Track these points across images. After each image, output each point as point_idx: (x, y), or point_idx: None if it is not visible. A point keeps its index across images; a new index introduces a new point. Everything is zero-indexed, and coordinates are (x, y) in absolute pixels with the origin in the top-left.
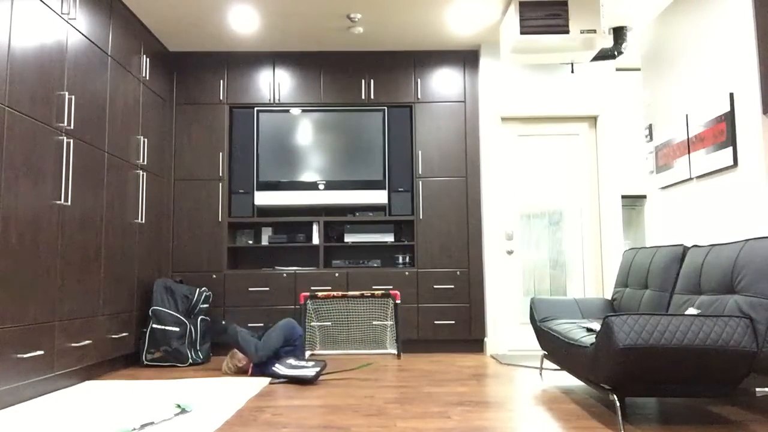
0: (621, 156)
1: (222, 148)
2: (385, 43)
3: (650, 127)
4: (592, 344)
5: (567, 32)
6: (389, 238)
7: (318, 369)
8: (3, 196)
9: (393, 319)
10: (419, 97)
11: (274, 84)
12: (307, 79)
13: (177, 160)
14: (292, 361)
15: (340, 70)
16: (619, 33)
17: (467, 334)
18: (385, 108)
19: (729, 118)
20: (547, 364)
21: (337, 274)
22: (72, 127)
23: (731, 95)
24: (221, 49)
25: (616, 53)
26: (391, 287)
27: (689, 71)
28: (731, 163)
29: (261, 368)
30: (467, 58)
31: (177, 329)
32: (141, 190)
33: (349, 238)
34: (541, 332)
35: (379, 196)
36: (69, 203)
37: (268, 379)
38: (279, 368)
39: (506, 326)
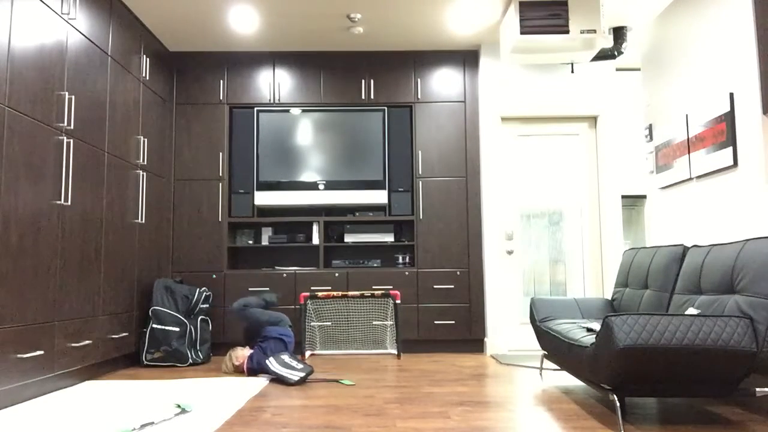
0: (621, 156)
1: (222, 148)
2: (385, 43)
3: (650, 127)
4: (592, 344)
5: (567, 32)
6: (389, 238)
7: (303, 374)
8: (3, 196)
9: (393, 319)
10: (419, 97)
11: (274, 84)
12: (307, 79)
13: (177, 160)
14: (285, 357)
15: (340, 70)
16: (619, 33)
17: (467, 334)
18: (385, 108)
19: (729, 118)
20: (547, 364)
21: (337, 274)
22: (72, 127)
23: (731, 95)
24: (221, 49)
25: (616, 53)
26: (391, 287)
27: (689, 71)
28: (731, 163)
29: (254, 367)
30: (467, 58)
31: (177, 329)
32: (141, 190)
33: (349, 238)
34: (541, 332)
35: (379, 196)
36: (69, 203)
37: (266, 380)
38: (271, 363)
39: (506, 326)
